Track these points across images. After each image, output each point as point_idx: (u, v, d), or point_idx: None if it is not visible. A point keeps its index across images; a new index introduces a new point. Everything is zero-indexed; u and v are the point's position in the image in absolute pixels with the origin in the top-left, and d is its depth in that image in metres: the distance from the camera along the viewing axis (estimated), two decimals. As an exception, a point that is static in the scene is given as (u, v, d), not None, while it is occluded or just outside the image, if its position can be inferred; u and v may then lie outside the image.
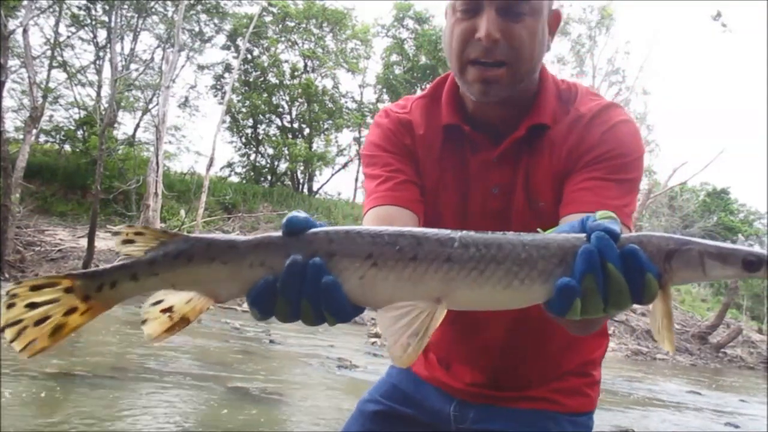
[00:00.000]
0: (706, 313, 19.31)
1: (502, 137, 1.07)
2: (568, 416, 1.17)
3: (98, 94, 19.05)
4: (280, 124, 24.29)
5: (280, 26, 22.92)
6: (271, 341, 7.97)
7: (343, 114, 23.52)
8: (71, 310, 0.69)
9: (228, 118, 22.46)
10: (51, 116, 18.82)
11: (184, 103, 22.51)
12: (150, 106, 19.55)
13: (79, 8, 18.51)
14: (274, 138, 23.48)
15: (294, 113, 23.97)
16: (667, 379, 10.37)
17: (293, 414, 4.30)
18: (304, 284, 0.65)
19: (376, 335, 9.47)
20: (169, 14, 19.07)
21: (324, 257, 0.66)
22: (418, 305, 0.67)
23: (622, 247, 0.66)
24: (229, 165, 24.85)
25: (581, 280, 0.64)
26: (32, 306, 0.68)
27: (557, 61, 24.44)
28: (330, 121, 23.60)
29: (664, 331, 0.68)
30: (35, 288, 0.69)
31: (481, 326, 1.16)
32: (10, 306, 0.68)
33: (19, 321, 0.68)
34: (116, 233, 0.71)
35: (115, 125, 18.88)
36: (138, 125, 20.21)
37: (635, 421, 5.58)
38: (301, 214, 0.69)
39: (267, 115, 23.91)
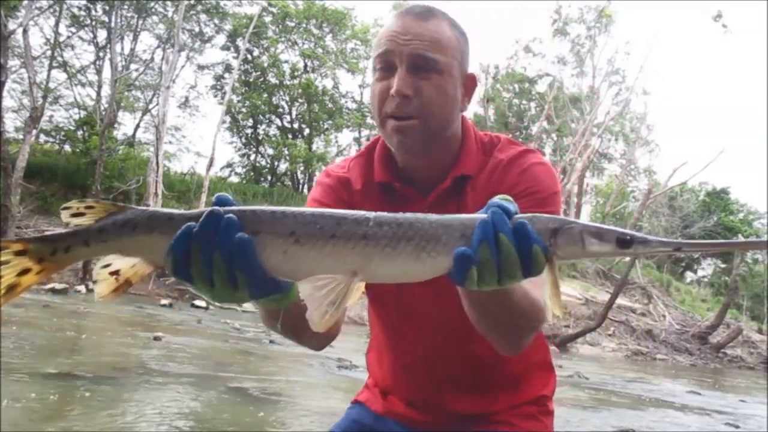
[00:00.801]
0: (706, 313, 19.31)
1: (431, 189, 1.15)
2: None
3: (98, 94, 19.06)
4: (280, 124, 24.29)
5: (280, 26, 22.92)
6: (271, 341, 7.97)
7: (343, 114, 23.50)
8: (25, 271, 0.75)
9: (228, 119, 22.46)
10: (51, 116, 18.87)
11: (184, 103, 22.55)
12: (150, 106, 19.58)
13: (79, 8, 18.53)
14: (274, 138, 23.47)
15: (294, 113, 23.97)
16: (667, 379, 10.38)
17: (293, 414, 4.30)
18: (218, 235, 0.70)
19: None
20: (169, 14, 19.08)
21: (251, 233, 0.72)
22: (336, 278, 0.74)
23: (515, 222, 0.74)
24: (229, 165, 24.90)
25: (477, 249, 0.72)
26: None
27: (558, 61, 24.43)
28: (330, 122, 23.59)
29: (554, 298, 0.76)
30: None
31: (434, 364, 1.23)
32: None
33: None
34: (65, 207, 0.77)
35: (115, 125, 18.89)
36: (138, 125, 20.26)
37: (635, 421, 5.58)
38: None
39: (267, 116, 23.92)
